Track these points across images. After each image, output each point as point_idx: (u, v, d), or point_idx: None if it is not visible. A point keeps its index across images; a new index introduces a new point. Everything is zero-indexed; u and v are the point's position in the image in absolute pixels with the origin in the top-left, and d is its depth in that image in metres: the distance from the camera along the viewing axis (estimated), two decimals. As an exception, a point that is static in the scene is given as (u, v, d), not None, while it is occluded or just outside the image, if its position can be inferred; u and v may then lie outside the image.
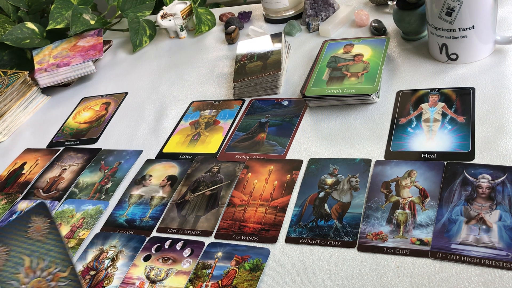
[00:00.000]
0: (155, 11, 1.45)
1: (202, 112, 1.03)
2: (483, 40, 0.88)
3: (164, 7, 1.34)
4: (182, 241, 0.77)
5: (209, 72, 1.16)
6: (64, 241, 0.71)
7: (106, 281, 0.75)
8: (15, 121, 1.20)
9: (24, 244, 0.71)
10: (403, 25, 0.99)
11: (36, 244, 0.71)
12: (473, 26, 0.85)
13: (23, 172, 1.04)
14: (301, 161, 0.83)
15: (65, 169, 1.00)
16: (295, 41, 1.15)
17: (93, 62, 1.25)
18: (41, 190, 0.97)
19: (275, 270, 0.69)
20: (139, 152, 0.98)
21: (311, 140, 0.87)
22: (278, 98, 1.00)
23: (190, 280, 0.71)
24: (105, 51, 1.38)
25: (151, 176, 0.91)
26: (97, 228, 0.85)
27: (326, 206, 0.75)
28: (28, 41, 1.32)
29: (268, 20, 1.26)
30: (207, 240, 0.76)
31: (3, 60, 1.36)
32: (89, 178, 0.96)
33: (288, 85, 1.02)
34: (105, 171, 0.96)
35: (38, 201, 0.77)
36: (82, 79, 1.29)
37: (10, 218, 0.92)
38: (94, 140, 1.06)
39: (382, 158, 0.79)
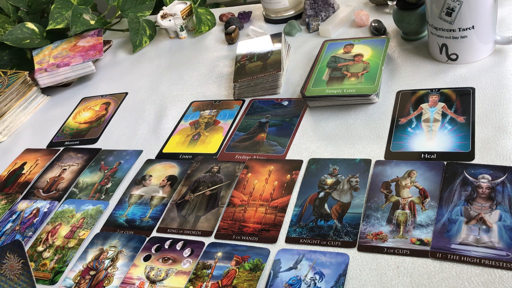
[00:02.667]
0: (155, 11, 1.45)
1: (202, 112, 1.03)
2: (483, 40, 0.88)
3: (164, 7, 1.34)
4: (182, 241, 0.77)
5: (209, 72, 1.16)
6: (34, 283, 0.71)
7: (106, 281, 0.75)
8: (15, 121, 1.20)
9: None
10: (403, 25, 0.99)
11: (8, 283, 0.72)
12: (473, 26, 0.85)
13: (23, 172, 1.04)
14: (301, 161, 0.83)
15: (65, 169, 1.00)
16: (295, 41, 1.15)
17: (93, 62, 1.25)
18: (41, 190, 0.97)
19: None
20: (139, 152, 0.98)
21: (311, 140, 0.87)
22: (278, 98, 1.00)
23: (190, 280, 0.71)
24: (105, 51, 1.38)
25: (151, 176, 0.91)
26: (97, 228, 0.85)
27: (326, 206, 0.75)
28: (28, 41, 1.32)
29: (268, 20, 1.26)
30: (207, 240, 0.76)
31: (3, 60, 1.36)
32: (89, 178, 0.96)
33: (288, 85, 1.02)
34: (105, 171, 0.96)
35: (15, 239, 0.78)
36: (82, 79, 1.29)
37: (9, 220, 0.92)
38: (94, 140, 1.06)
39: (382, 158, 0.79)
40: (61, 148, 1.07)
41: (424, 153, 0.77)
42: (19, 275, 0.73)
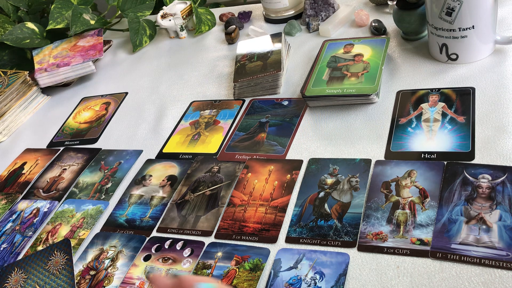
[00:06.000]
0: (155, 11, 1.45)
1: (202, 112, 1.03)
2: (483, 40, 0.88)
3: (164, 7, 1.34)
4: (182, 241, 0.77)
5: (209, 72, 1.16)
6: (74, 280, 0.75)
7: (106, 281, 0.75)
8: (15, 121, 1.20)
9: (41, 275, 0.76)
10: (403, 25, 0.99)
11: (50, 277, 0.75)
12: (473, 26, 0.85)
13: (23, 172, 1.04)
14: (301, 161, 0.83)
15: (65, 169, 1.00)
16: (295, 41, 1.15)
17: (93, 62, 1.25)
18: (41, 190, 0.97)
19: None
20: (139, 152, 0.98)
21: (311, 140, 0.87)
22: (278, 98, 1.00)
23: (190, 280, 0.71)
24: (105, 51, 1.38)
25: (151, 176, 0.91)
26: (97, 228, 0.85)
27: (326, 206, 0.75)
28: (28, 41, 1.32)
29: (268, 20, 1.26)
30: (207, 240, 0.76)
31: (3, 60, 1.36)
32: (89, 178, 0.96)
33: (288, 85, 1.02)
34: (105, 171, 0.96)
35: (65, 238, 0.84)
36: (82, 79, 1.29)
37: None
38: (94, 140, 1.06)
39: (382, 158, 0.79)
40: (61, 148, 1.07)
41: (424, 153, 0.77)
42: (61, 270, 0.76)
